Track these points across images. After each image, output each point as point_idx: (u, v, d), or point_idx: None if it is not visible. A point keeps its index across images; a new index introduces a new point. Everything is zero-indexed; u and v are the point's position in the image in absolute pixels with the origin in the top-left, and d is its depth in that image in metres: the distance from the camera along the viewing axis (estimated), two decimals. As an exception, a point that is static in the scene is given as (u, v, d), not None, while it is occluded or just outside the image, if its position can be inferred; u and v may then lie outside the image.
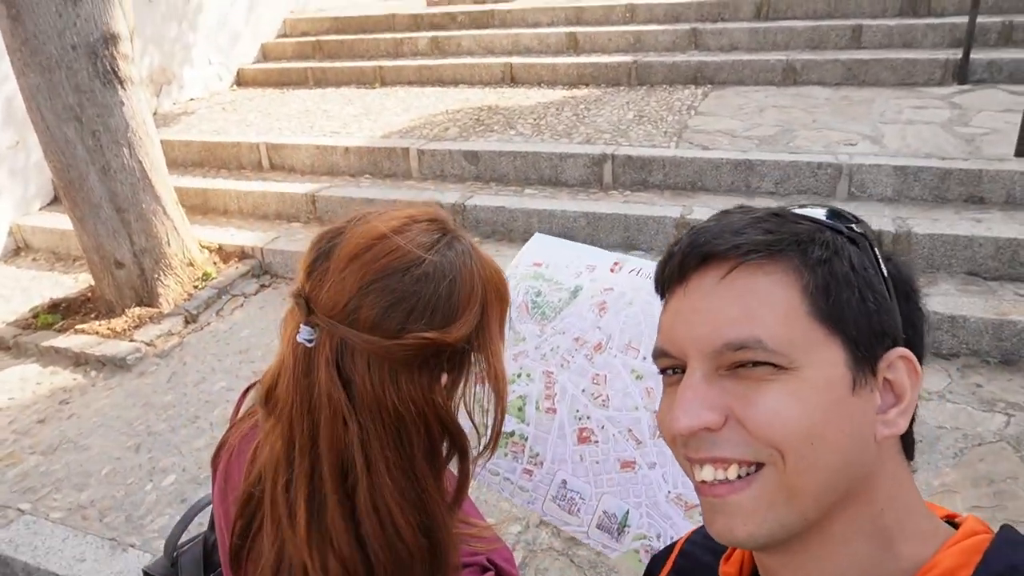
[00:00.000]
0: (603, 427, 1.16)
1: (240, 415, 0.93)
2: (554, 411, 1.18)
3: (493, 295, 0.78)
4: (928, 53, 5.06)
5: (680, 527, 1.08)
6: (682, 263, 0.55)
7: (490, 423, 0.81)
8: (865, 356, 0.50)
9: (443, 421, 0.76)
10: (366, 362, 0.71)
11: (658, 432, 0.64)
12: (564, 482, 1.16)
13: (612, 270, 1.24)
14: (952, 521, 0.56)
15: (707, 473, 0.52)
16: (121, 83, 3.48)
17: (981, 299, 2.97)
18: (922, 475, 2.29)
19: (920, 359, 0.54)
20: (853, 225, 0.54)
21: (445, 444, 0.78)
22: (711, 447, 0.51)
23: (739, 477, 0.51)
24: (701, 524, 0.63)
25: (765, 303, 0.50)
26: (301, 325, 0.73)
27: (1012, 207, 3.43)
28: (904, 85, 4.95)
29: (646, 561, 1.11)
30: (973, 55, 4.76)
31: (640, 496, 1.13)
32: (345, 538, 0.72)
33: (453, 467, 0.80)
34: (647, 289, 1.18)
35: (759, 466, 0.50)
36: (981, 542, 0.51)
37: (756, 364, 0.50)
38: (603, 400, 1.17)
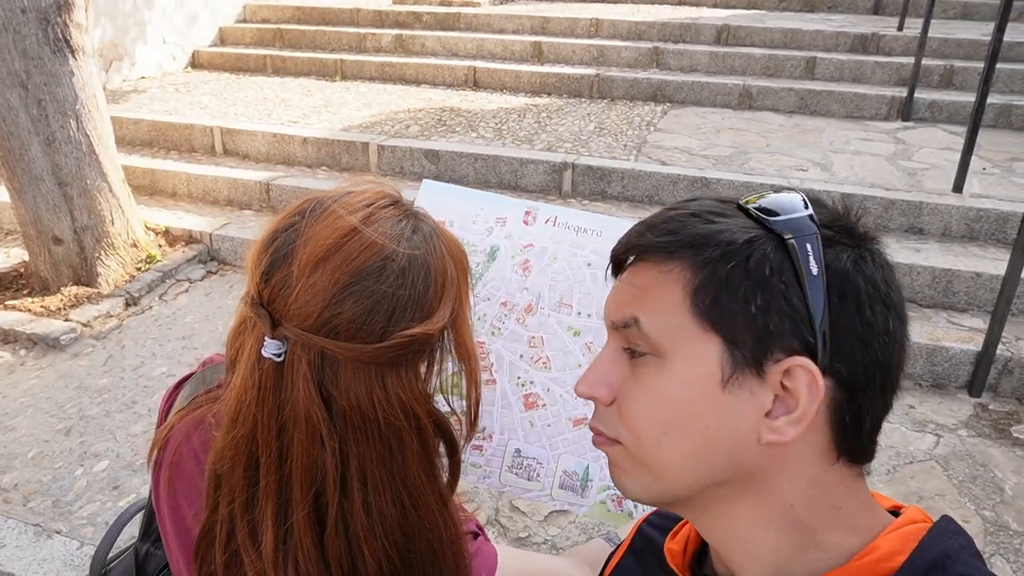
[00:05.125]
0: (549, 390, 1.13)
1: (174, 410, 0.85)
2: (493, 382, 1.14)
3: (461, 272, 0.75)
4: (876, 89, 5.29)
5: None
6: (615, 255, 0.61)
7: (454, 404, 0.80)
8: (745, 356, 0.51)
9: (432, 415, 0.73)
10: (351, 372, 0.67)
11: None
12: (518, 451, 1.14)
13: (526, 222, 1.17)
14: (897, 511, 0.58)
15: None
16: (72, 52, 3.34)
17: (917, 325, 3.10)
18: (857, 489, 2.37)
19: (859, 369, 0.51)
20: (790, 217, 0.52)
21: (440, 442, 0.75)
22: (596, 415, 0.60)
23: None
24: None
25: (653, 294, 0.55)
26: (266, 339, 0.67)
27: (948, 239, 3.60)
28: (852, 118, 5.16)
29: (616, 510, 1.11)
30: (917, 94, 5.00)
31: (596, 449, 1.12)
32: (313, 559, 0.69)
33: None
34: (568, 240, 1.15)
35: (617, 441, 0.58)
36: (919, 530, 0.52)
37: (643, 354, 0.55)
38: (543, 362, 1.13)
